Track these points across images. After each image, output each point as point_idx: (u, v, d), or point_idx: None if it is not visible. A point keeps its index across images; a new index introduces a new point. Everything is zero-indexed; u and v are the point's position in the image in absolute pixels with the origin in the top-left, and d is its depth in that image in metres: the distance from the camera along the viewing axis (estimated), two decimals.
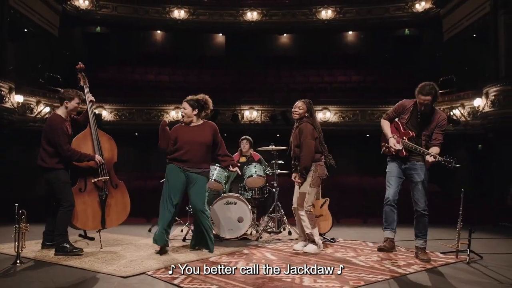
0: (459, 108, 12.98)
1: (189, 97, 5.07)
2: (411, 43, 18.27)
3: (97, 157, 5.03)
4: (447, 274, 3.97)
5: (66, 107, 4.93)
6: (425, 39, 17.93)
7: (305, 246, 4.99)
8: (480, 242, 5.47)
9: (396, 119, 4.84)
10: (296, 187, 5.11)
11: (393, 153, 4.68)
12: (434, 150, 4.45)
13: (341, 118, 14.84)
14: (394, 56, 18.52)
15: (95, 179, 5.07)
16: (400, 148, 4.60)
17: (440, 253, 4.85)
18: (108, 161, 5.24)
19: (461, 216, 4.71)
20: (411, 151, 4.58)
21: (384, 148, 4.84)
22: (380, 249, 4.87)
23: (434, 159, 4.33)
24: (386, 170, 4.87)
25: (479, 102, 12.07)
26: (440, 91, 13.40)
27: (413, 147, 4.53)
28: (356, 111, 14.91)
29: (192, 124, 5.03)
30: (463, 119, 12.90)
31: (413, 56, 17.89)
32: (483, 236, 6.18)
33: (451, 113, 13.14)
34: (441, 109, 13.46)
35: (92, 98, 5.31)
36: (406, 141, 4.61)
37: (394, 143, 4.63)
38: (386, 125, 4.83)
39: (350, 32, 19.57)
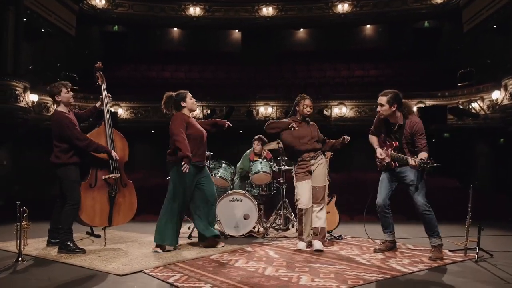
0: (478, 101, 12.64)
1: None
2: (431, 35, 17.87)
3: (113, 152, 5.05)
4: (452, 272, 3.83)
5: (60, 101, 4.95)
6: (445, 31, 17.53)
7: (307, 244, 4.90)
8: (492, 239, 5.29)
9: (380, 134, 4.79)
10: (305, 186, 4.96)
11: (384, 165, 4.60)
12: (422, 155, 4.32)
13: (358, 113, 14.64)
14: (413, 49, 18.17)
15: (106, 176, 5.07)
16: (389, 160, 4.54)
17: (449, 251, 4.68)
18: (120, 160, 5.22)
19: (469, 213, 4.56)
20: (399, 160, 4.51)
21: (379, 164, 4.73)
22: (375, 251, 4.75)
23: (414, 163, 4.24)
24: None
25: (497, 95, 11.73)
26: (459, 84, 13.31)
27: (397, 157, 4.46)
28: (373, 106, 14.56)
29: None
30: (482, 112, 12.56)
31: (432, 48, 17.51)
32: (496, 232, 5.98)
33: (470, 107, 12.82)
34: (460, 102, 13.21)
35: (107, 97, 5.35)
36: (392, 151, 4.53)
37: (380, 153, 4.60)
38: (374, 140, 4.80)
39: (368, 26, 19.28)
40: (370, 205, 5.02)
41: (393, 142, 4.53)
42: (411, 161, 4.28)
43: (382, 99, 4.53)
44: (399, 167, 4.53)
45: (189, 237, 5.71)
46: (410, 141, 4.47)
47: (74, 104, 12.64)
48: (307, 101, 5.12)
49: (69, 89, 4.99)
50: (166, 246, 4.86)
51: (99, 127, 5.24)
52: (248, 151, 6.88)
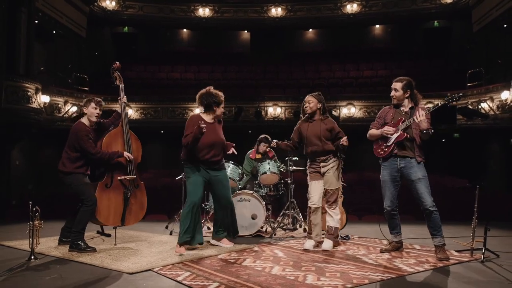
0: (488, 101, 12.59)
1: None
2: (441, 35, 17.85)
3: (126, 153, 5.14)
4: (457, 273, 3.85)
5: (85, 114, 5.10)
6: (455, 31, 17.48)
7: (315, 244, 4.96)
8: (499, 239, 5.29)
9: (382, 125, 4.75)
10: (316, 186, 5.03)
11: (393, 143, 4.55)
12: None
13: (366, 114, 14.64)
14: (423, 49, 18.15)
15: (122, 177, 5.16)
16: (398, 133, 4.51)
17: (455, 251, 4.71)
18: (134, 161, 5.30)
19: (475, 213, 4.56)
20: (408, 134, 4.52)
21: (381, 152, 4.68)
22: (382, 251, 4.78)
23: (426, 113, 4.32)
24: (380, 177, 4.75)
25: (507, 95, 11.69)
26: (469, 84, 13.26)
27: (409, 122, 4.47)
28: (382, 106, 14.48)
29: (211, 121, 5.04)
30: (491, 112, 12.51)
31: (442, 48, 17.47)
32: (503, 233, 5.97)
33: (479, 107, 12.76)
34: (469, 102, 13.15)
35: (125, 98, 5.43)
36: (401, 124, 4.53)
37: (388, 128, 4.54)
38: (373, 131, 4.76)
39: (377, 26, 19.31)
40: (380, 204, 5.03)
41: (401, 117, 4.56)
42: (421, 116, 4.28)
43: (397, 85, 4.62)
44: (404, 159, 4.54)
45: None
46: (417, 126, 4.48)
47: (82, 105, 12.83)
48: (306, 98, 5.13)
49: (98, 107, 5.08)
50: (186, 245, 4.84)
51: (116, 128, 5.31)
52: (248, 152, 6.96)
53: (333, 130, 5.01)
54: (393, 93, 4.64)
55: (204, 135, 4.79)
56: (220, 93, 5.07)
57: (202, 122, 4.76)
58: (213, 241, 5.24)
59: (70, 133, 5.03)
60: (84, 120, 5.10)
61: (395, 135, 4.53)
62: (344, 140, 4.80)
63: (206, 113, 5.03)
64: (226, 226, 5.18)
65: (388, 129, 4.56)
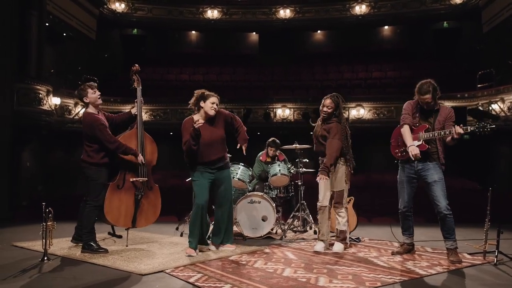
0: (499, 102, 12.48)
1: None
2: (450, 36, 17.72)
3: (140, 157, 5.14)
4: (470, 276, 3.83)
5: (88, 102, 5.05)
6: (465, 31, 17.36)
7: (324, 247, 4.96)
8: (511, 242, 5.24)
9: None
10: (325, 185, 4.99)
11: (413, 158, 4.49)
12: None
13: (375, 115, 14.57)
14: (432, 50, 18.03)
15: (134, 179, 5.16)
16: (420, 142, 4.44)
17: (468, 254, 4.68)
18: (148, 164, 5.29)
19: (488, 216, 4.54)
20: (431, 142, 4.45)
21: (399, 154, 4.64)
22: (393, 254, 4.76)
23: (463, 131, 4.17)
24: (397, 178, 4.73)
25: None
26: (479, 85, 13.16)
27: (433, 135, 4.40)
28: (391, 107, 14.54)
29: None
30: (502, 114, 12.39)
31: (452, 49, 17.36)
32: None
33: (490, 108, 12.66)
34: (479, 104, 13.06)
35: (141, 101, 5.43)
36: (423, 133, 4.47)
37: (413, 149, 4.40)
38: (407, 133, 4.55)
39: (386, 27, 19.19)
40: (389, 206, 5.01)
41: (425, 124, 4.50)
42: (458, 129, 4.18)
43: (429, 96, 4.44)
44: (421, 162, 4.50)
45: (208, 238, 5.78)
46: (442, 126, 4.45)
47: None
48: (325, 101, 5.12)
49: (95, 89, 5.05)
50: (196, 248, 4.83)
51: (131, 130, 5.30)
52: (259, 154, 6.95)
53: (330, 134, 4.94)
54: (427, 100, 4.47)
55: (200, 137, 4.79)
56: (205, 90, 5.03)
57: (195, 121, 4.72)
58: (211, 247, 5.11)
59: (84, 125, 5.01)
60: (91, 109, 5.05)
61: (417, 143, 4.46)
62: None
63: (198, 114, 4.99)
64: (221, 229, 5.09)
65: (414, 151, 4.39)
